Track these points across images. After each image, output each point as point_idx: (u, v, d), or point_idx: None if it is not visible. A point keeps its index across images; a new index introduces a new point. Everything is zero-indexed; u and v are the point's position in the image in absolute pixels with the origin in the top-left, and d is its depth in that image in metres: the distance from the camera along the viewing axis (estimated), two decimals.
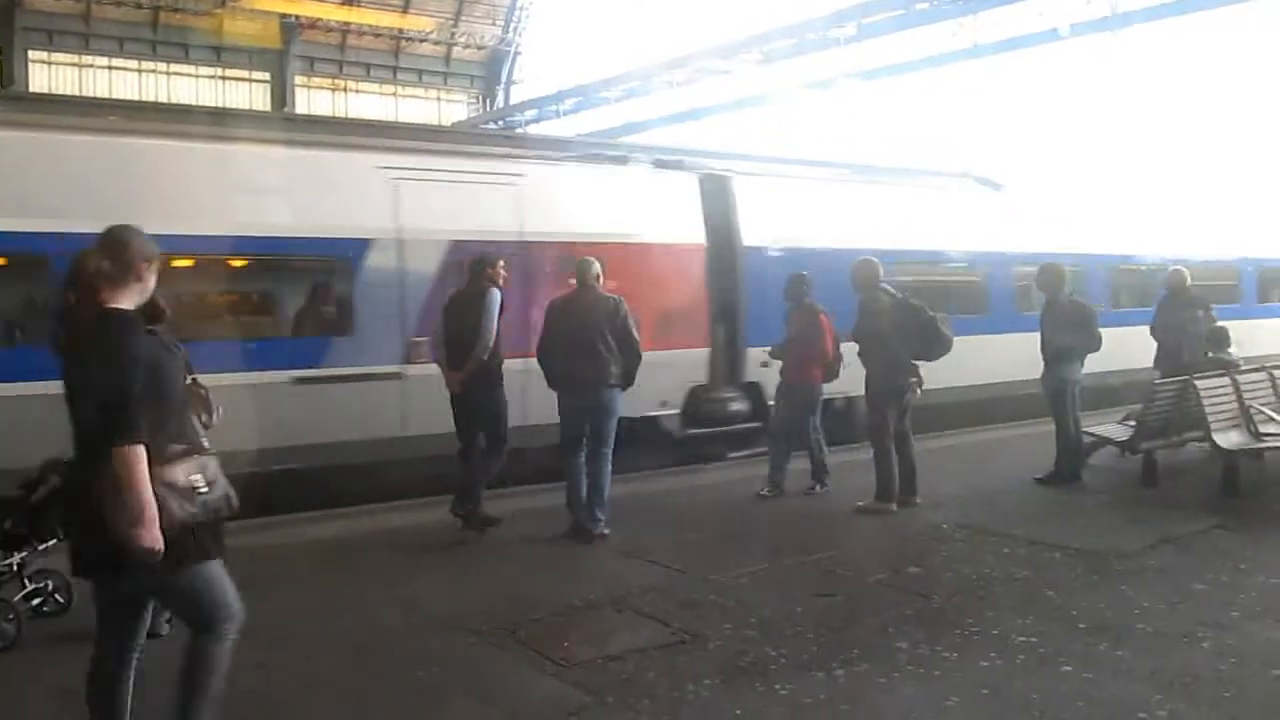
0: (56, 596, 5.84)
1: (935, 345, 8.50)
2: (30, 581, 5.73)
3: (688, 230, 11.62)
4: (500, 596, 6.28)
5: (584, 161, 12.08)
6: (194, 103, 31.72)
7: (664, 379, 10.53)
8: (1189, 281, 11.47)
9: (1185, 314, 11.10)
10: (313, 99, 38.95)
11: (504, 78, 43.57)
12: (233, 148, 9.39)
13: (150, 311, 5.60)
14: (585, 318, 7.88)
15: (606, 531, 7.78)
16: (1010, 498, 8.93)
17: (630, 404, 8.39)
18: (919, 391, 8.66)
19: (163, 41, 36.03)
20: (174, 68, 36.46)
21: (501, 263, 8.14)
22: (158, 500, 3.48)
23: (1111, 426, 9.89)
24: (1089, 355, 9.41)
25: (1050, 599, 6.04)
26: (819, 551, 7.15)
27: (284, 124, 13.27)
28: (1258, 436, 8.89)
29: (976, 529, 7.72)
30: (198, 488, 3.64)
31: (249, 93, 37.86)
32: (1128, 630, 5.44)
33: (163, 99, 32.83)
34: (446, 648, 5.43)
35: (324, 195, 9.58)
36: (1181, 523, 7.80)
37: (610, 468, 7.97)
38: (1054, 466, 9.41)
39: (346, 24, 38.69)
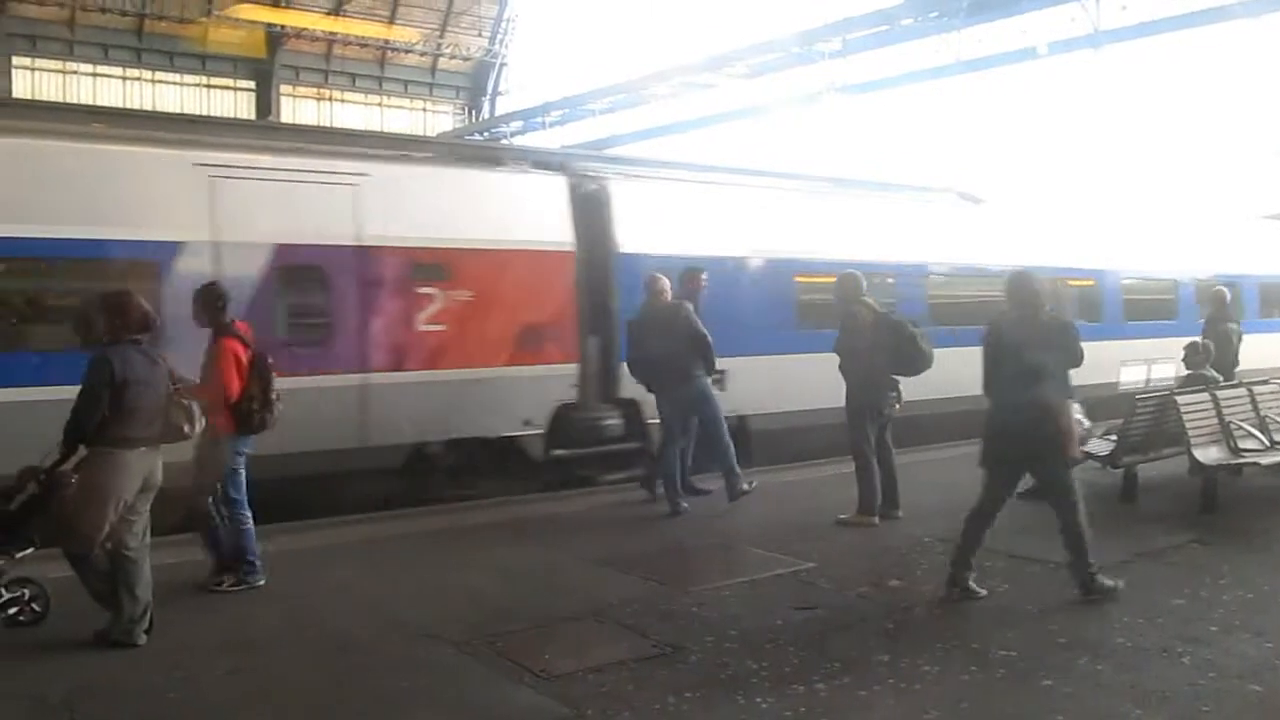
0: (33, 605, 5.78)
1: (916, 361, 8.53)
2: (7, 590, 5.68)
3: None
4: (479, 607, 6.25)
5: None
6: (179, 110, 31.67)
7: None
8: (1228, 299, 13.13)
9: (1225, 327, 12.56)
10: (298, 108, 38.89)
11: (490, 89, 43.61)
12: None
13: (140, 321, 5.63)
14: (658, 326, 8.94)
15: (749, 488, 9.04)
16: None
17: None
18: (898, 406, 8.69)
19: (147, 49, 35.90)
20: (159, 75, 36.33)
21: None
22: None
23: (1092, 441, 9.92)
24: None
25: (1029, 613, 6.06)
26: (800, 564, 7.15)
27: None
28: (1236, 452, 8.93)
29: (958, 543, 7.72)
30: (1084, 422, 6.58)
31: (234, 101, 37.75)
32: (1106, 644, 5.46)
33: (147, 107, 32.69)
34: (423, 657, 5.40)
35: None
36: (1160, 537, 7.85)
37: (729, 441, 9.07)
38: (1035, 481, 9.41)
39: (332, 34, 38.64)
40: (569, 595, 6.53)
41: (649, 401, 9.74)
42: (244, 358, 6.62)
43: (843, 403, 8.58)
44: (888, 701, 4.76)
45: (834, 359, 8.52)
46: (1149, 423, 9.22)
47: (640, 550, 7.70)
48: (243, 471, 6.73)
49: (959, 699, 4.75)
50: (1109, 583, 6.30)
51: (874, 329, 8.51)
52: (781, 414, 8.85)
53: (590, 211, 10.68)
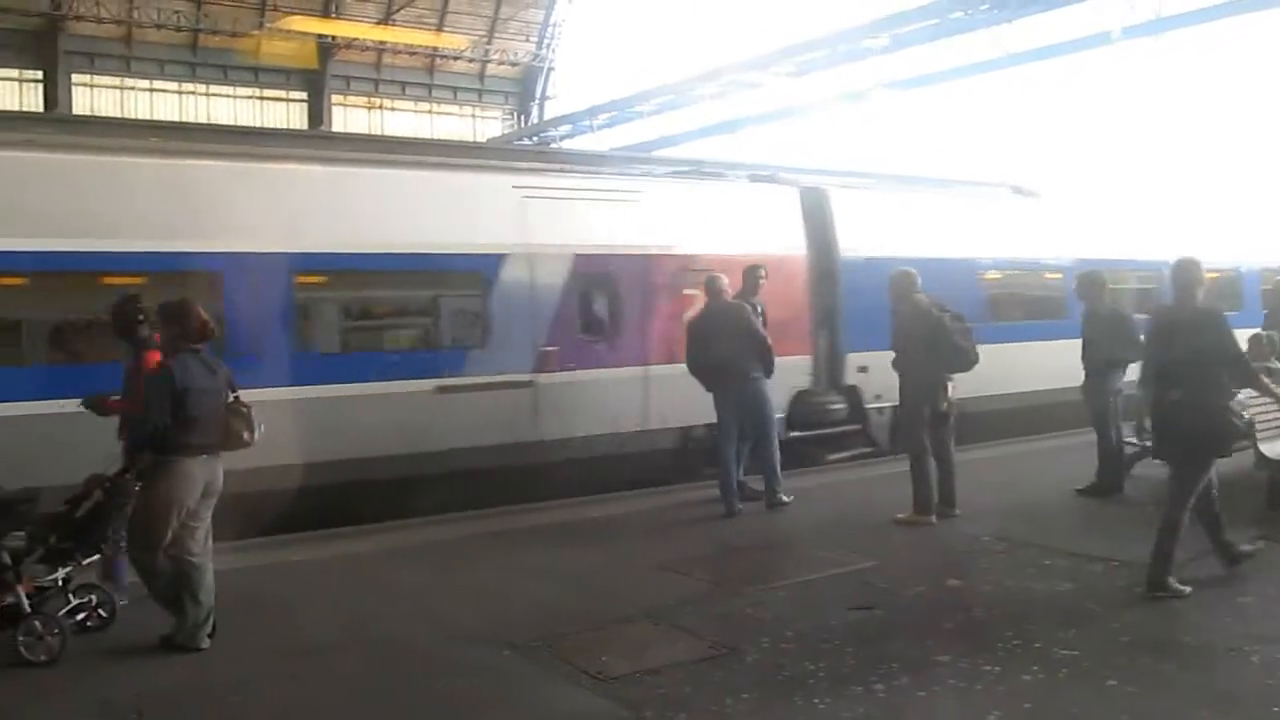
0: (100, 611, 5.91)
1: (955, 358, 8.42)
2: (74, 596, 5.81)
3: None
4: (535, 610, 6.28)
5: None
6: (233, 122, 32.21)
7: None
8: None
9: None
10: (349, 117, 39.34)
11: (538, 93, 43.78)
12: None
13: (199, 330, 5.73)
14: (717, 325, 9.12)
15: (787, 500, 9.10)
16: (1051, 509, 8.82)
17: None
18: (946, 405, 8.57)
19: (202, 63, 36.50)
20: (213, 89, 36.94)
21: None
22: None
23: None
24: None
25: (1093, 612, 5.96)
26: (856, 564, 7.10)
27: None
28: None
29: (1016, 541, 7.63)
30: (1243, 415, 6.71)
31: (286, 112, 38.29)
32: (1172, 644, 5.36)
33: (202, 119, 33.26)
34: (481, 660, 5.43)
35: None
36: (1226, 533, 7.65)
37: (777, 450, 9.24)
38: (1095, 477, 9.29)
39: (382, 43, 38.95)
40: (625, 597, 6.53)
41: (868, 387, 11.49)
42: None
43: (1009, 390, 9.30)
44: (948, 702, 4.71)
45: (1025, 348, 8.65)
46: None
47: (696, 551, 7.70)
48: None
49: (1021, 699, 4.68)
50: (1180, 586, 6.16)
51: (918, 326, 8.43)
52: (972, 398, 9.80)
53: (815, 218, 12.02)
